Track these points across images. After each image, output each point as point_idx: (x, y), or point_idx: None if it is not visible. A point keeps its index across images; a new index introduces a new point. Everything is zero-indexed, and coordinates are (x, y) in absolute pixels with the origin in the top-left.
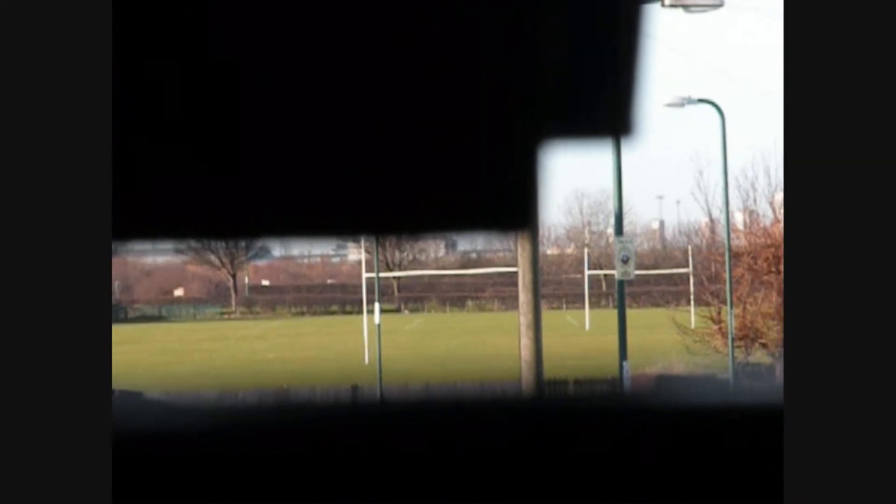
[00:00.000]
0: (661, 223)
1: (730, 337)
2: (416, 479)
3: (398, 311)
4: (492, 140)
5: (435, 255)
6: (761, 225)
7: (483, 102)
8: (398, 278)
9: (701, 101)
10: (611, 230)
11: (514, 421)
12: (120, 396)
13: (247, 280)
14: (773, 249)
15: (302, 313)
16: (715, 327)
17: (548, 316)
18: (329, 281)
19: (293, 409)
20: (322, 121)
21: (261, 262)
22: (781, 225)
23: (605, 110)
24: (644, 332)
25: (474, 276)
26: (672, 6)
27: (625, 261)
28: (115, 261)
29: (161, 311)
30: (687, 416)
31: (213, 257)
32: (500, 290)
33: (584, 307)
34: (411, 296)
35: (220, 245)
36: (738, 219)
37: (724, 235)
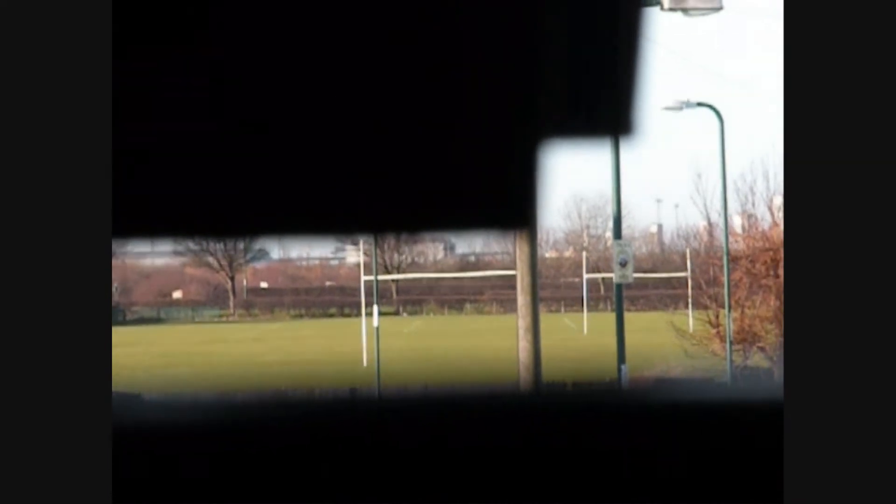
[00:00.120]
0: (660, 227)
1: (728, 340)
2: (411, 478)
3: (397, 313)
4: (491, 141)
5: (433, 258)
6: (760, 229)
7: (482, 103)
8: (397, 281)
9: (700, 104)
10: (609, 234)
11: (514, 420)
12: (117, 398)
13: (245, 282)
14: (771, 253)
15: (300, 316)
16: (713, 331)
17: (546, 319)
18: (327, 283)
19: (293, 408)
20: (321, 121)
21: (259, 265)
22: (780, 229)
23: (605, 112)
24: (642, 335)
25: (473, 279)
26: (671, 9)
27: (623, 264)
28: (113, 263)
29: (159, 313)
30: (684, 417)
31: (211, 260)
32: (499, 294)
33: (582, 310)
34: (410, 298)
35: (219, 247)
36: (737, 222)
37: (723, 239)
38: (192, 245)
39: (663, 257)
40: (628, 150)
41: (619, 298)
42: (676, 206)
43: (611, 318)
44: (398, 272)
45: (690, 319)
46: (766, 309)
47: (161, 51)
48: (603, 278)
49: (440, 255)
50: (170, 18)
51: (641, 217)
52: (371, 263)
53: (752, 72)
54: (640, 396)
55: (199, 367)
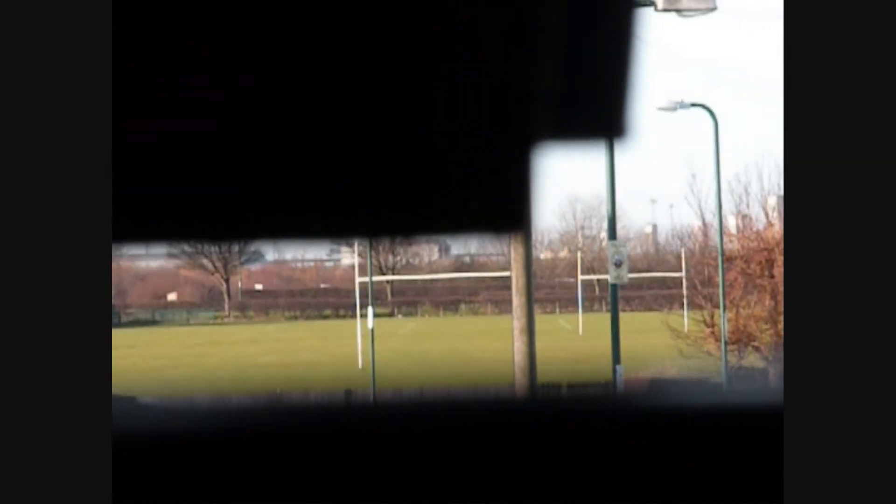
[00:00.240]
0: (655, 227)
1: (723, 340)
2: (406, 481)
3: (392, 315)
4: (485, 142)
5: (429, 260)
6: (754, 229)
7: (477, 105)
8: (391, 282)
9: (694, 105)
10: (604, 234)
11: (510, 422)
12: (113, 402)
13: (240, 284)
14: (765, 253)
15: (295, 317)
16: (708, 331)
17: (541, 320)
18: (322, 285)
19: (289, 412)
20: (316, 124)
21: (254, 267)
22: (775, 229)
23: (599, 113)
24: (637, 335)
25: (468, 280)
26: (665, 10)
27: (618, 265)
28: None
29: (155, 315)
30: (680, 418)
31: (206, 262)
32: (494, 294)
33: (577, 311)
34: (405, 300)
35: (214, 249)
36: (731, 223)
37: (717, 239)
38: (186, 247)
39: (658, 258)
40: (623, 150)
41: (615, 299)
42: (671, 206)
43: (606, 318)
44: (393, 273)
45: (685, 320)
46: (760, 309)
47: (155, 51)
48: (598, 279)
49: (435, 256)
50: (164, 15)
51: (636, 217)
52: (366, 265)
53: (747, 72)
54: (636, 401)
55: (195, 369)
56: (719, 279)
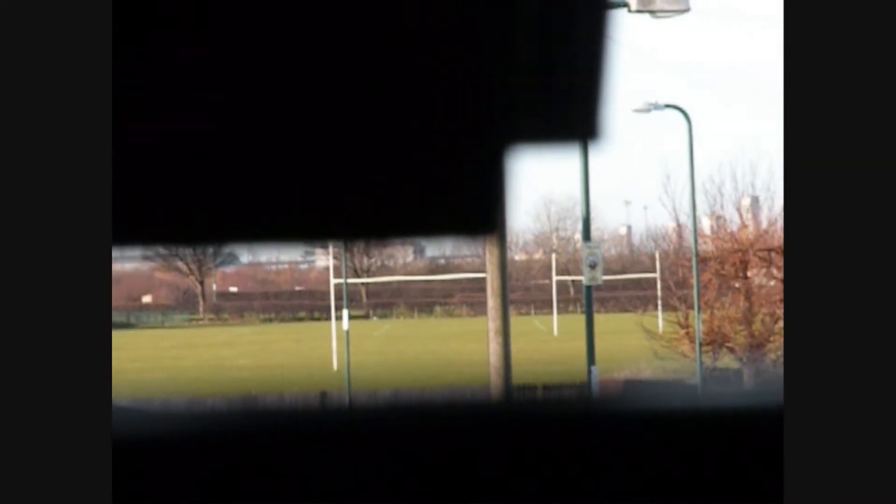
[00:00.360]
0: (629, 228)
1: (697, 342)
2: (381, 483)
3: (367, 317)
4: (458, 145)
5: (403, 261)
6: (728, 230)
7: (450, 107)
8: (366, 284)
9: (668, 106)
10: (578, 236)
11: (485, 425)
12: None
13: (214, 287)
14: (740, 254)
15: (270, 320)
16: (682, 332)
17: (516, 321)
18: (297, 287)
19: (265, 416)
20: (289, 126)
21: (228, 269)
22: (748, 230)
23: (572, 115)
24: (612, 337)
25: (443, 281)
26: (639, 11)
27: (592, 266)
28: None
29: (129, 317)
30: (655, 419)
31: (180, 264)
32: (469, 296)
33: (552, 312)
34: (380, 302)
35: (188, 252)
36: (706, 224)
37: (692, 240)
38: (161, 249)
39: (633, 259)
40: (597, 152)
41: (589, 300)
42: (645, 207)
43: (581, 319)
44: (368, 275)
45: (660, 321)
46: (735, 310)
47: (140, 52)
48: (573, 280)
49: (410, 258)
50: (159, 14)
51: (610, 219)
52: (341, 267)
53: (721, 73)
54: (610, 403)
55: (170, 371)
56: (694, 280)
